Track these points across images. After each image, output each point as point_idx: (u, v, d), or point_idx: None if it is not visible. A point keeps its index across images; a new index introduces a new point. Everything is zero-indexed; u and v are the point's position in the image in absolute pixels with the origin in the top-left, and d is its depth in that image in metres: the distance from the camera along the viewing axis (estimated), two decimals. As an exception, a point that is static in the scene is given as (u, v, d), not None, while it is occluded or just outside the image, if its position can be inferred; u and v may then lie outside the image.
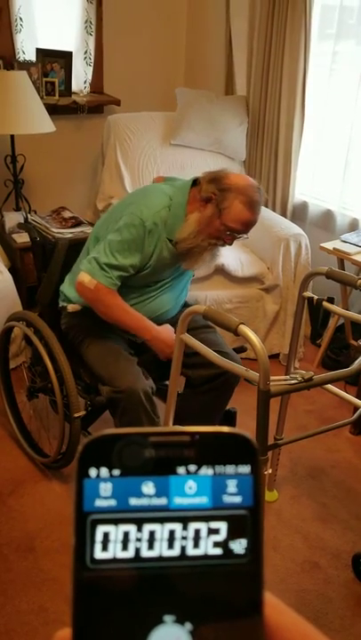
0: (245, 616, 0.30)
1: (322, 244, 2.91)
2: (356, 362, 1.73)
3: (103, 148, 3.56)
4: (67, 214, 3.37)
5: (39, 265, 2.35)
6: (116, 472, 0.30)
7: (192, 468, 0.31)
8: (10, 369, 2.59)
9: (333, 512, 2.33)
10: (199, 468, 0.31)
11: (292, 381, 1.55)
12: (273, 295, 3.09)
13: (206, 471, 0.31)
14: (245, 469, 0.31)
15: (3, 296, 2.79)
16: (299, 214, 3.43)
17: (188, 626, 0.29)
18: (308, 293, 1.96)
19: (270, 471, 2.20)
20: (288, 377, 1.58)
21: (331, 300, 1.90)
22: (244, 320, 2.18)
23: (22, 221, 3.18)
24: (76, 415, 2.16)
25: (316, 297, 1.93)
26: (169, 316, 2.17)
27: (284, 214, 3.38)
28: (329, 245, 2.89)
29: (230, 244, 2.04)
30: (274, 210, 3.41)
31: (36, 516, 2.22)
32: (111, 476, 0.30)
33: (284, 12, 3.11)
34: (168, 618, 0.29)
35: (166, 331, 2.08)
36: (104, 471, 0.30)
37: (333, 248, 2.85)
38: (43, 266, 2.33)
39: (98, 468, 0.30)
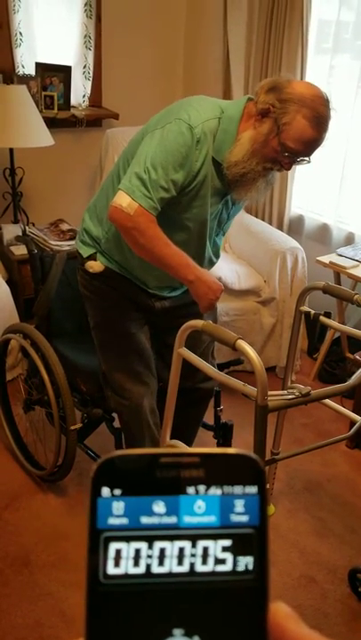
0: (251, 630, 0.31)
1: (318, 258, 2.93)
2: (354, 376, 1.73)
3: (101, 162, 3.58)
4: (64, 227, 3.38)
5: (36, 277, 2.35)
6: (128, 491, 0.32)
7: (201, 488, 0.32)
8: (6, 381, 2.59)
9: (330, 526, 2.32)
10: (208, 488, 0.32)
11: (290, 396, 1.55)
12: (270, 308, 3.09)
13: (215, 491, 0.32)
14: (252, 490, 0.32)
15: (0, 308, 2.80)
16: (295, 228, 3.45)
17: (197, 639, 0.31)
18: (305, 308, 1.97)
19: (268, 485, 2.21)
20: (286, 392, 1.58)
21: (328, 315, 1.91)
22: (241, 333, 2.19)
23: (20, 234, 3.20)
24: (72, 428, 2.17)
25: (313, 311, 1.93)
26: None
27: (280, 227, 3.39)
28: (325, 259, 2.90)
29: (288, 169, 1.74)
30: (270, 223, 3.43)
31: (32, 529, 2.21)
32: (123, 495, 0.31)
33: (282, 26, 3.15)
34: (177, 631, 0.31)
35: (209, 274, 1.80)
36: (117, 491, 0.31)
37: (330, 262, 2.86)
38: (40, 278, 2.34)
39: (111, 487, 0.31)
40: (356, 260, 2.84)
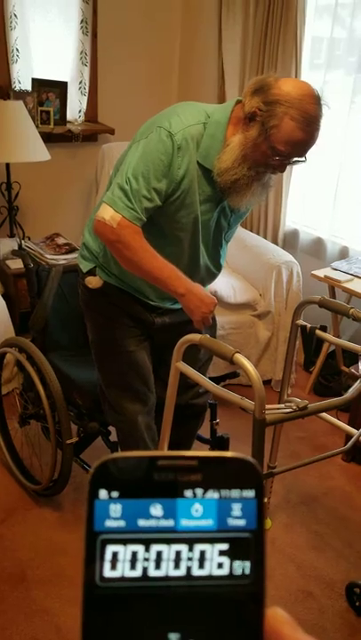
0: (247, 636, 0.31)
1: (313, 272, 2.95)
2: (350, 390, 1.73)
3: (97, 176, 3.60)
4: (60, 241, 3.39)
5: (32, 291, 2.36)
6: (126, 494, 0.32)
7: (199, 491, 0.32)
8: (2, 395, 2.58)
9: (327, 540, 2.32)
10: (205, 491, 0.32)
11: (288, 410, 1.55)
12: (265, 322, 3.10)
13: (212, 495, 0.32)
14: (250, 493, 0.32)
15: (-4, 322, 2.80)
16: (290, 242, 3.47)
17: None
18: (301, 322, 1.96)
19: (266, 500, 2.20)
20: (283, 405, 1.58)
21: (323, 329, 1.91)
22: (237, 346, 2.20)
23: (16, 248, 3.20)
24: (68, 442, 2.16)
25: (309, 325, 1.93)
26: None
27: (275, 241, 3.41)
28: (320, 273, 2.92)
29: (282, 171, 1.67)
30: (265, 237, 3.45)
31: (28, 544, 2.20)
32: (121, 497, 0.31)
33: (276, 43, 3.19)
34: (173, 635, 0.31)
35: (201, 287, 1.74)
36: (114, 493, 0.31)
37: (324, 275, 2.88)
38: (36, 292, 2.34)
39: (108, 489, 0.31)
40: (351, 274, 2.86)
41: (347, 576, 2.14)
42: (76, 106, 3.67)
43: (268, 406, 1.51)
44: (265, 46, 3.26)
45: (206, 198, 1.69)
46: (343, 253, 3.18)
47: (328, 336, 1.91)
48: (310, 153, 1.65)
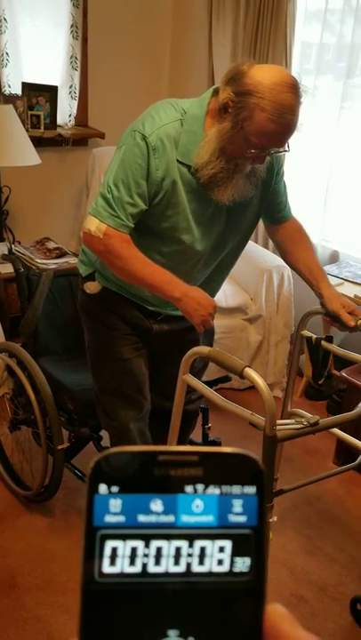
0: (246, 632, 0.31)
1: (304, 276, 2.95)
2: (360, 405, 1.68)
3: (88, 180, 3.60)
4: (51, 245, 3.38)
5: (23, 296, 2.35)
6: (126, 489, 0.31)
7: (200, 487, 0.32)
8: (-8, 400, 2.57)
9: (319, 544, 2.31)
10: (206, 487, 0.32)
11: (299, 426, 1.51)
12: (256, 325, 3.11)
13: (213, 490, 0.32)
14: (251, 490, 0.32)
15: (-14, 327, 2.78)
16: (281, 246, 3.48)
17: None
18: (306, 332, 1.91)
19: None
20: (293, 421, 1.54)
21: (329, 339, 1.84)
22: (228, 350, 2.19)
23: (6, 252, 3.19)
24: (59, 447, 2.15)
25: (314, 336, 1.86)
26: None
27: (265, 246, 3.42)
28: (292, 269, 2.92)
29: (262, 163, 1.60)
30: (256, 241, 3.45)
31: (18, 551, 2.18)
32: (121, 492, 0.31)
33: (266, 48, 3.20)
34: (172, 632, 0.30)
35: (198, 289, 1.69)
36: (114, 488, 0.31)
37: (315, 279, 2.88)
38: (26, 297, 2.33)
39: (108, 484, 0.31)
40: (342, 278, 2.86)
41: (339, 579, 2.14)
42: (66, 110, 3.66)
43: (278, 422, 1.47)
44: (255, 51, 3.27)
45: (197, 196, 1.64)
46: (333, 257, 3.19)
47: (334, 347, 1.85)
48: (300, 148, 1.61)
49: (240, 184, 1.62)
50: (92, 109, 3.78)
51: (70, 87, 3.63)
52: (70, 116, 3.68)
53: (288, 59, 3.14)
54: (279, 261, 3.11)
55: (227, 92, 1.50)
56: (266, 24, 3.16)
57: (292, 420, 1.55)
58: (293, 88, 1.48)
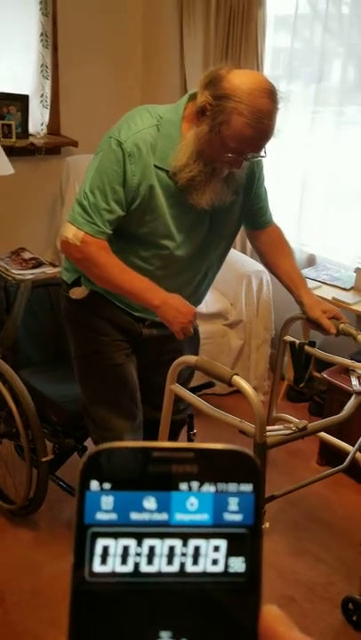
0: (241, 634, 0.30)
1: (282, 279, 2.97)
2: (346, 407, 1.69)
3: (62, 189, 3.58)
4: (27, 255, 3.35)
5: (1, 308, 2.33)
6: (118, 486, 0.30)
7: (194, 484, 0.31)
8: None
9: (305, 545, 2.33)
10: (201, 484, 0.31)
11: (288, 431, 1.52)
12: (237, 330, 3.12)
13: (208, 488, 0.31)
14: (247, 487, 0.31)
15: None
16: (257, 250, 3.50)
17: None
18: (289, 337, 1.92)
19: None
20: (282, 427, 1.56)
21: (312, 344, 1.85)
22: (210, 356, 2.20)
23: (-18, 263, 3.15)
24: (43, 459, 2.13)
25: (298, 341, 1.88)
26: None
27: (243, 251, 3.44)
28: (273, 275, 2.95)
29: (238, 168, 1.60)
30: (234, 247, 3.47)
31: (5, 566, 2.15)
32: (113, 489, 0.30)
33: (238, 54, 3.23)
34: (165, 634, 0.29)
35: (177, 297, 1.67)
36: (106, 485, 0.30)
37: (293, 282, 2.91)
38: (5, 308, 2.31)
39: (100, 481, 0.30)
40: (319, 281, 2.90)
41: (326, 579, 2.16)
42: (38, 119, 3.64)
43: (267, 428, 1.48)
44: (227, 57, 3.30)
45: (176, 201, 1.63)
46: (311, 261, 3.23)
47: (317, 352, 1.87)
48: (274, 153, 1.63)
49: (218, 188, 1.62)
50: (65, 118, 3.76)
51: (42, 96, 3.62)
52: (42, 124, 3.66)
53: (260, 64, 3.17)
54: (258, 266, 3.14)
55: (205, 95, 1.51)
56: (237, 30, 3.19)
57: (281, 426, 1.56)
58: (271, 94, 1.49)
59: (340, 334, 1.77)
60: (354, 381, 1.79)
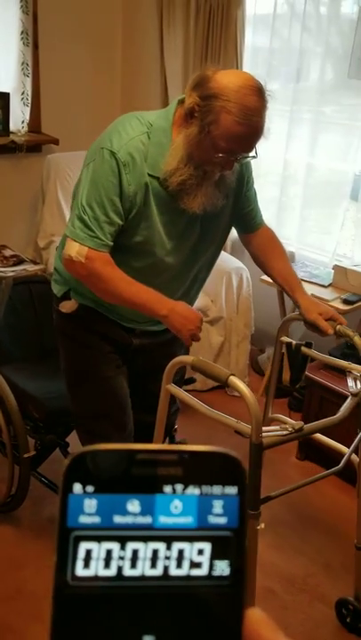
0: (225, 637, 0.30)
1: (262, 277, 3.00)
2: (342, 409, 1.69)
3: (43, 187, 3.58)
4: (7, 252, 3.35)
5: (-17, 305, 2.33)
6: (102, 489, 0.30)
7: (179, 487, 0.30)
8: None
9: (285, 538, 2.36)
10: (186, 487, 0.30)
11: (284, 432, 1.52)
12: (217, 327, 3.15)
13: (193, 491, 0.30)
14: (232, 490, 0.31)
15: None
16: (238, 248, 3.53)
17: None
18: (285, 338, 1.92)
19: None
20: (278, 427, 1.55)
21: (309, 345, 1.86)
22: (191, 353, 2.22)
23: None
24: (25, 456, 2.14)
25: (294, 342, 1.88)
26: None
27: (224, 248, 3.46)
28: (269, 278, 2.97)
29: (230, 169, 1.59)
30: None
31: (-13, 562, 2.16)
32: (96, 492, 0.30)
33: (217, 54, 3.25)
34: (148, 638, 0.29)
35: (183, 304, 1.67)
36: (89, 487, 0.30)
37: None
38: (-13, 306, 2.32)
39: (83, 484, 0.30)
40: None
41: (306, 571, 2.19)
42: (18, 116, 3.64)
43: (263, 429, 1.47)
44: (206, 56, 3.32)
45: (167, 208, 1.63)
46: (290, 258, 3.26)
47: (314, 352, 1.87)
48: (260, 150, 1.59)
49: (209, 192, 1.61)
50: (45, 115, 3.76)
51: (22, 93, 3.61)
52: (23, 122, 3.65)
53: (239, 63, 3.20)
54: (238, 263, 3.17)
55: (192, 97, 1.51)
56: (216, 30, 3.21)
57: (277, 427, 1.55)
58: (259, 91, 1.49)
59: (338, 336, 1.77)
60: (350, 383, 1.78)
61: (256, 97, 1.48)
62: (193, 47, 3.38)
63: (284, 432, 1.53)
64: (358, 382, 1.75)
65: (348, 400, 1.72)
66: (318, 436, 1.93)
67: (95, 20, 3.78)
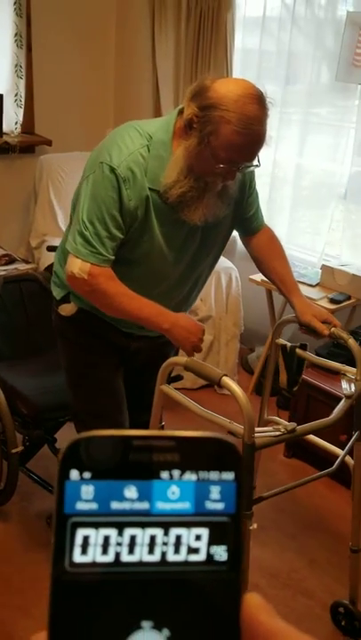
0: (223, 623, 0.30)
1: (251, 277, 3.04)
2: (336, 410, 1.70)
3: (36, 187, 3.61)
4: (0, 252, 3.38)
5: (-27, 303, 2.36)
6: (99, 475, 0.30)
7: (176, 473, 0.31)
8: None
9: (271, 534, 2.39)
10: (183, 473, 0.31)
11: (276, 433, 1.53)
12: (207, 326, 3.17)
13: (190, 477, 0.31)
14: (229, 476, 0.31)
15: None
16: (227, 248, 3.52)
17: (166, 632, 0.29)
18: (281, 341, 1.92)
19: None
20: (271, 428, 1.57)
21: (303, 347, 1.86)
22: (180, 351, 2.25)
23: None
24: (13, 451, 2.16)
25: (289, 344, 1.88)
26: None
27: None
28: (257, 277, 3.01)
29: (232, 179, 1.56)
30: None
31: (-25, 556, 2.18)
32: (93, 478, 0.30)
33: (207, 56, 3.29)
34: (146, 624, 0.29)
35: (185, 316, 1.69)
36: (86, 474, 0.30)
37: (261, 280, 2.97)
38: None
39: (80, 470, 0.30)
40: (286, 277, 2.96)
41: (291, 566, 2.22)
42: (12, 118, 3.67)
43: (256, 429, 1.48)
44: (197, 60, 3.36)
45: (167, 219, 1.61)
46: (279, 258, 3.29)
47: (309, 355, 1.88)
48: (260, 153, 1.56)
49: (211, 203, 1.59)
50: (39, 117, 3.80)
51: (16, 95, 3.65)
52: (17, 123, 3.69)
53: (229, 66, 3.23)
54: (227, 263, 3.20)
55: (191, 107, 1.48)
56: (207, 32, 3.25)
57: (270, 428, 1.57)
58: (259, 99, 1.46)
59: (332, 338, 1.78)
60: (344, 385, 1.78)
61: (256, 105, 1.46)
62: (184, 49, 3.42)
63: (277, 433, 1.53)
64: (352, 385, 1.75)
65: (342, 402, 1.72)
66: (312, 437, 1.93)
67: (88, 23, 3.82)
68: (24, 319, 2.52)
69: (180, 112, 1.57)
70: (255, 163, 1.56)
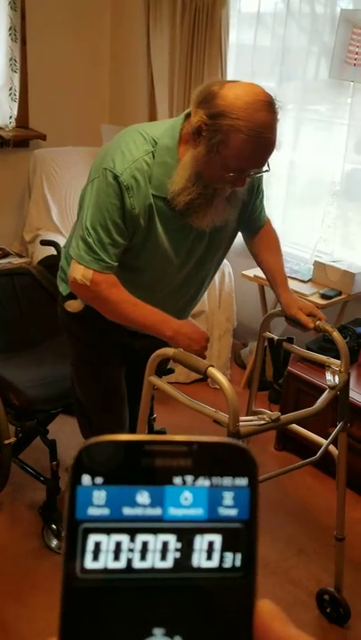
0: (236, 630, 0.30)
1: (243, 272, 3.07)
2: (319, 401, 1.73)
3: (30, 182, 3.62)
4: (-6, 246, 3.39)
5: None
6: (111, 480, 0.30)
7: (189, 478, 0.30)
8: None
9: (261, 525, 2.41)
10: (196, 478, 0.30)
11: (261, 422, 1.56)
12: (199, 320, 3.20)
13: (203, 482, 0.30)
14: (243, 482, 0.31)
15: None
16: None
17: (178, 639, 0.29)
18: (268, 334, 1.96)
19: None
20: (256, 417, 1.59)
21: (290, 340, 1.90)
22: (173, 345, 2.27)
23: None
24: (6, 442, 2.18)
25: (276, 337, 1.91)
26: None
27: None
28: (250, 273, 3.04)
29: (242, 185, 1.54)
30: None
31: (-33, 546, 2.20)
32: (105, 483, 0.30)
33: (202, 53, 3.30)
34: (157, 631, 0.29)
35: (189, 324, 1.69)
36: (98, 479, 0.30)
37: (254, 275, 3.00)
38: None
39: (92, 475, 0.30)
40: (278, 272, 2.99)
41: (280, 556, 2.25)
42: (6, 112, 3.68)
43: (241, 418, 1.50)
44: (192, 55, 3.37)
45: (174, 226, 1.60)
46: (271, 253, 3.32)
47: (295, 348, 1.91)
48: (270, 159, 1.54)
49: (220, 208, 1.58)
50: (33, 111, 3.80)
51: (10, 89, 3.65)
52: (11, 117, 3.70)
53: (223, 62, 3.25)
54: (219, 258, 3.23)
55: (199, 114, 1.44)
56: (201, 28, 3.26)
57: (255, 417, 1.59)
58: (269, 105, 1.43)
59: (317, 331, 1.81)
60: (328, 376, 1.81)
61: (266, 112, 1.42)
62: (179, 44, 3.43)
63: (262, 422, 1.56)
64: (336, 376, 1.79)
65: (326, 393, 1.76)
66: (295, 426, 1.97)
67: (83, 17, 3.82)
68: (17, 312, 2.54)
69: (187, 116, 1.54)
70: (265, 168, 1.55)
